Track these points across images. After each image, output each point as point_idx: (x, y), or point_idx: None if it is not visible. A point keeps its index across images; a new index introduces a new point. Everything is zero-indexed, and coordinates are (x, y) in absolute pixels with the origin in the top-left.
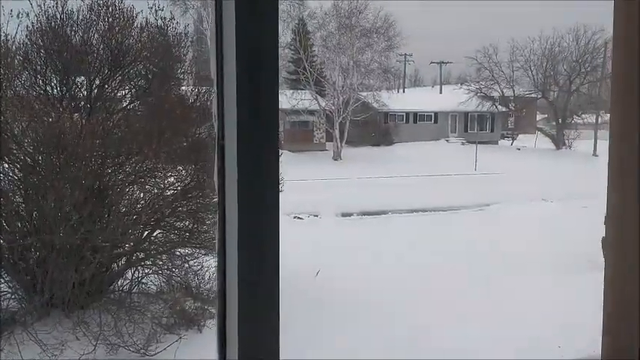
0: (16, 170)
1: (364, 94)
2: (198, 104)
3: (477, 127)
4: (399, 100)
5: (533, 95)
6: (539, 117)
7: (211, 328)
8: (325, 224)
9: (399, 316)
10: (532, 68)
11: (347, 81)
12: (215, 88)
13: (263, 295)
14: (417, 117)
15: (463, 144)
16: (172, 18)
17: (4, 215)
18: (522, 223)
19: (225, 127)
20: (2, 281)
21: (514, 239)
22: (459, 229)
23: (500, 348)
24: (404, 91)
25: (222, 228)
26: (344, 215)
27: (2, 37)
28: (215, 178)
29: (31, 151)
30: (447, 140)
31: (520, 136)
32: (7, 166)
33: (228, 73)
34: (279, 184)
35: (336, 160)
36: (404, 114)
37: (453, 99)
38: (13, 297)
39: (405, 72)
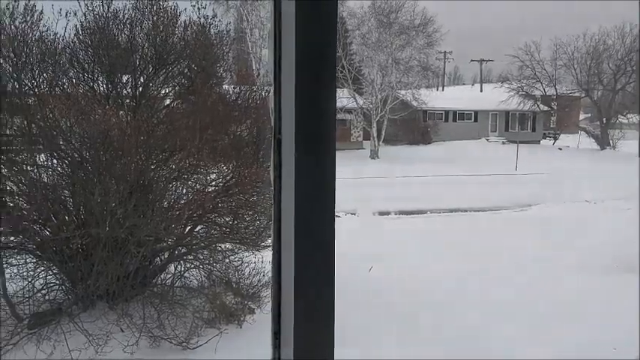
0: (65, 165)
1: (403, 92)
2: (239, 102)
3: (518, 127)
4: (438, 98)
5: (576, 94)
6: (582, 116)
7: (251, 323)
8: (362, 222)
9: (441, 316)
10: (575, 66)
11: (385, 79)
12: (272, 83)
13: (318, 294)
14: (456, 115)
15: (504, 143)
16: (215, 16)
17: (52, 208)
18: (565, 224)
19: (282, 121)
20: (50, 272)
21: (556, 240)
22: (499, 230)
23: (550, 349)
24: (443, 89)
25: (278, 221)
26: (381, 214)
27: (51, 36)
28: (271, 172)
29: (79, 147)
30: (487, 139)
31: (562, 135)
32: (55, 161)
33: (286, 69)
34: (335, 177)
35: (373, 158)
36: (443, 112)
37: (494, 97)
38: (60, 288)
39: (444, 70)
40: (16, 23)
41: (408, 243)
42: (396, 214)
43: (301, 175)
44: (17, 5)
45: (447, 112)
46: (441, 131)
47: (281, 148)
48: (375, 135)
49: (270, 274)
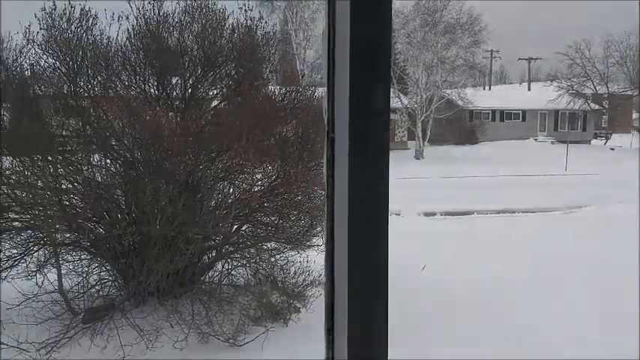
0: (117, 165)
1: (448, 91)
2: (285, 102)
3: (567, 126)
4: (484, 98)
5: (629, 93)
6: (635, 115)
7: (296, 322)
8: (407, 223)
9: (492, 316)
10: (628, 64)
11: (431, 78)
12: (326, 81)
13: (373, 292)
14: (503, 115)
15: (553, 143)
16: (261, 18)
17: (106, 207)
18: (616, 226)
19: (336, 120)
20: (103, 269)
21: (609, 242)
22: (548, 232)
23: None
24: (490, 88)
25: (331, 219)
26: (427, 215)
27: (105, 40)
28: (324, 170)
29: (131, 147)
30: (535, 139)
31: (614, 135)
32: (109, 161)
33: (340, 67)
34: (388, 176)
35: (418, 158)
36: (490, 112)
37: (543, 96)
38: (112, 284)
39: (491, 68)
40: (72, 27)
41: (453, 244)
42: (441, 215)
43: (355, 174)
44: (73, 10)
45: (493, 111)
46: (487, 131)
47: (334, 146)
48: (420, 135)
49: (315, 274)
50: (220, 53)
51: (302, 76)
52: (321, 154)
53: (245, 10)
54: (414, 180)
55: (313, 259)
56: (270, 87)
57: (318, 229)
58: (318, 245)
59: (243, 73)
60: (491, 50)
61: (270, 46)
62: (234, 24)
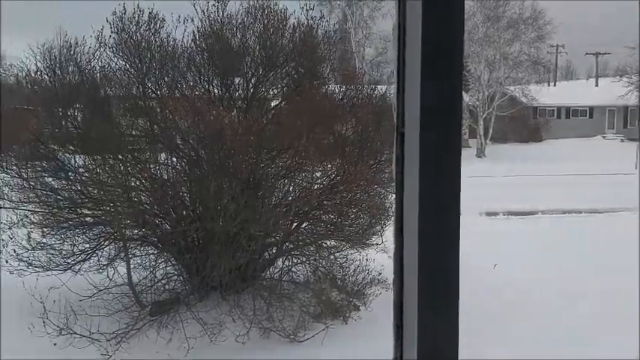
0: (183, 163)
1: (511, 87)
2: (344, 101)
3: (638, 123)
4: (549, 94)
5: None
6: None
7: (356, 320)
8: (469, 223)
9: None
10: None
11: (493, 74)
12: (395, 77)
13: (444, 291)
14: (569, 112)
15: (622, 141)
16: (322, 17)
17: (171, 203)
18: None
19: (406, 115)
20: (169, 264)
21: None
22: (617, 233)
23: None
24: (555, 84)
25: (400, 216)
26: (489, 214)
27: (171, 42)
28: (393, 166)
29: (195, 146)
30: (603, 137)
31: None
32: (174, 159)
33: (411, 63)
34: (460, 172)
35: (479, 157)
36: (555, 108)
37: (611, 92)
38: (178, 279)
39: (556, 64)
40: (141, 30)
41: (516, 244)
42: (504, 215)
43: (426, 170)
44: (142, 14)
45: (559, 108)
46: (552, 128)
47: (404, 142)
48: (482, 133)
49: (374, 273)
50: (281, 53)
51: (362, 74)
52: (381, 152)
53: (306, 10)
54: (476, 179)
55: (373, 257)
56: (329, 86)
57: (378, 227)
58: (377, 244)
59: (303, 72)
60: (557, 45)
61: (331, 44)
62: (295, 23)
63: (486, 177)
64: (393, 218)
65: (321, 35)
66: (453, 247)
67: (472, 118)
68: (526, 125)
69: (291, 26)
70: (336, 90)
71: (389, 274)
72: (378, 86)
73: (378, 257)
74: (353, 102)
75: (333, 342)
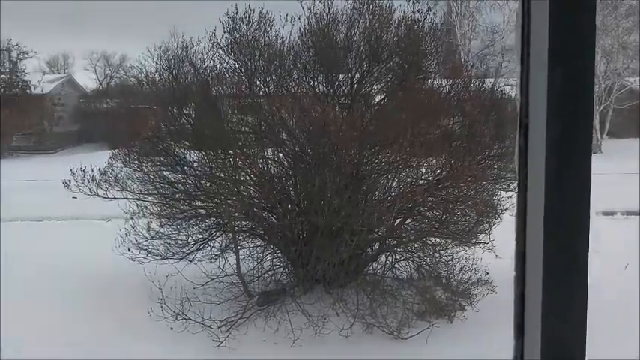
0: (289, 159)
1: (631, 79)
2: (450, 95)
3: None
4: None
5: None
6: None
7: (462, 320)
8: None
9: None
10: None
11: (610, 65)
12: (519, 67)
13: (571, 289)
14: None
15: None
16: (429, 9)
17: (278, 197)
18: None
19: (531, 105)
20: (275, 256)
21: None
22: None
23: None
24: None
25: (523, 212)
26: (605, 214)
27: (279, 40)
28: (515, 158)
29: (301, 142)
30: None
31: None
32: (281, 155)
33: (535, 53)
34: (590, 164)
35: (595, 152)
36: None
37: None
38: (283, 270)
39: None
40: (252, 30)
41: (635, 245)
42: (622, 215)
43: (552, 162)
44: (252, 13)
45: None
46: None
47: (528, 133)
48: (598, 127)
49: (481, 272)
50: (386, 47)
51: (470, 67)
52: (490, 147)
53: (413, 3)
54: (592, 176)
55: (480, 256)
56: (435, 80)
57: (485, 225)
58: (484, 242)
59: (407, 66)
60: None
61: (437, 37)
62: (401, 17)
63: (603, 174)
64: (501, 216)
65: (427, 28)
66: (581, 244)
67: None
68: None
69: (396, 20)
70: (442, 84)
71: (495, 274)
72: (486, 79)
73: (485, 257)
74: (460, 96)
75: (437, 341)
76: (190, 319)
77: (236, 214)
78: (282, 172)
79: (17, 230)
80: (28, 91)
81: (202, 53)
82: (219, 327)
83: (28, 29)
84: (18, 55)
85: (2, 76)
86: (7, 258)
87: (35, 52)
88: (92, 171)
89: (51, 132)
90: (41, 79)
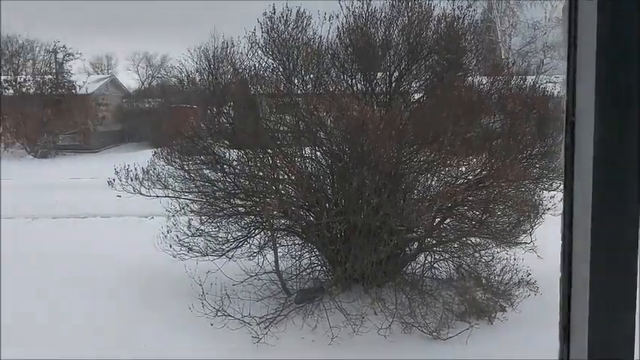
0: (326, 157)
1: None
2: (491, 92)
3: None
4: None
5: None
6: None
7: (502, 321)
8: None
9: None
10: None
11: None
12: (566, 63)
13: (619, 291)
14: None
15: None
16: (469, 6)
17: (316, 196)
18: None
19: (577, 104)
20: (313, 254)
21: None
22: None
23: None
24: None
25: (570, 211)
26: None
27: (317, 39)
28: (561, 157)
29: (339, 140)
30: None
31: None
32: (319, 153)
33: (583, 49)
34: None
35: None
36: None
37: None
38: (321, 269)
39: None
40: (289, 29)
41: None
42: None
43: (600, 159)
44: (290, 13)
45: None
46: None
47: (574, 131)
48: None
49: (522, 273)
50: (425, 45)
51: (511, 64)
52: (531, 146)
53: (452, 0)
54: None
55: (521, 257)
56: (475, 77)
57: (527, 225)
58: (525, 243)
59: (447, 64)
60: None
61: (477, 34)
62: (440, 14)
63: None
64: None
65: (467, 25)
66: (629, 244)
67: None
68: None
69: (436, 17)
70: (483, 81)
71: (537, 275)
72: (527, 77)
73: (526, 257)
74: (500, 93)
75: (477, 342)
76: (230, 315)
77: (274, 213)
78: (320, 170)
79: (64, 227)
80: (73, 91)
81: (241, 53)
82: (258, 324)
83: (73, 32)
84: (64, 56)
85: (49, 76)
86: (52, 255)
87: (80, 54)
88: (135, 169)
89: (95, 131)
90: (86, 80)
